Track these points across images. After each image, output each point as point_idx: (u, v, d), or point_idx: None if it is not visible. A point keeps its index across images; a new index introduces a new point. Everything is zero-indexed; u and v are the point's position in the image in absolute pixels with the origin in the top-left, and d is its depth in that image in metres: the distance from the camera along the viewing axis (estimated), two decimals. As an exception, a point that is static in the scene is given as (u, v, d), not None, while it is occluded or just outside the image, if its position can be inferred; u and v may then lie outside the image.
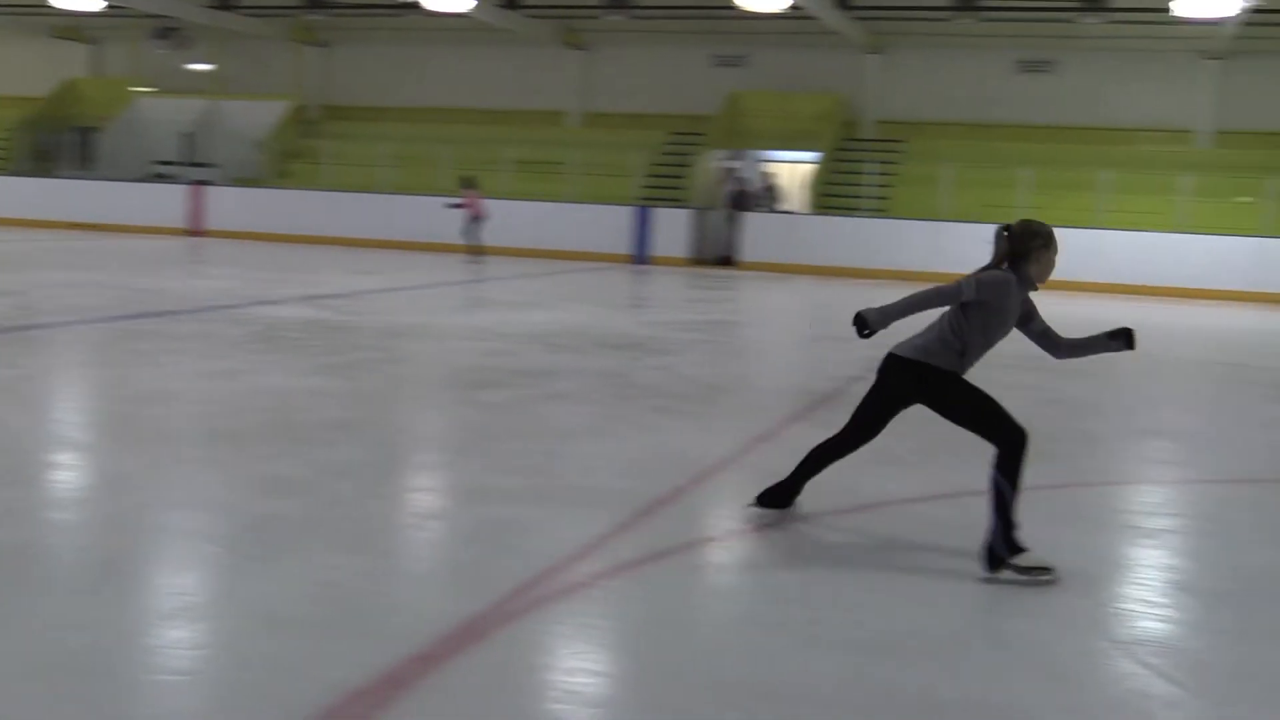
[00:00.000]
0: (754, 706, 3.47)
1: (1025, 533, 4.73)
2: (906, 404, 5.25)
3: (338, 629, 3.90)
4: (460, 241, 22.69)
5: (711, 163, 26.60)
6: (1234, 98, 25.88)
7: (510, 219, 25.22)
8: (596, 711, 3.41)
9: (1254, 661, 4.06)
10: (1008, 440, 4.81)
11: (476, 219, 22.56)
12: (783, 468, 6.61)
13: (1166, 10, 21.62)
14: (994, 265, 5.11)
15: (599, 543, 4.91)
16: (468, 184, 22.79)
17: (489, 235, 22.81)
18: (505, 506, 5.46)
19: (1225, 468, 7.43)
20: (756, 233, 24.90)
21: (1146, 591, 4.77)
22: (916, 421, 8.30)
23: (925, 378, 5.07)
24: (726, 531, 5.47)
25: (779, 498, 5.46)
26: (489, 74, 29.67)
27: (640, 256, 24.96)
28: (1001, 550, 4.68)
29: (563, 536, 4.98)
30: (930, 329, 5.16)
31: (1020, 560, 4.66)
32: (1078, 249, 22.82)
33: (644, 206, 25.30)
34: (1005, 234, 5.10)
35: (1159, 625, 4.36)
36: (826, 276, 23.29)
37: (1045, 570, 4.67)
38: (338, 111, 30.73)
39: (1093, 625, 4.30)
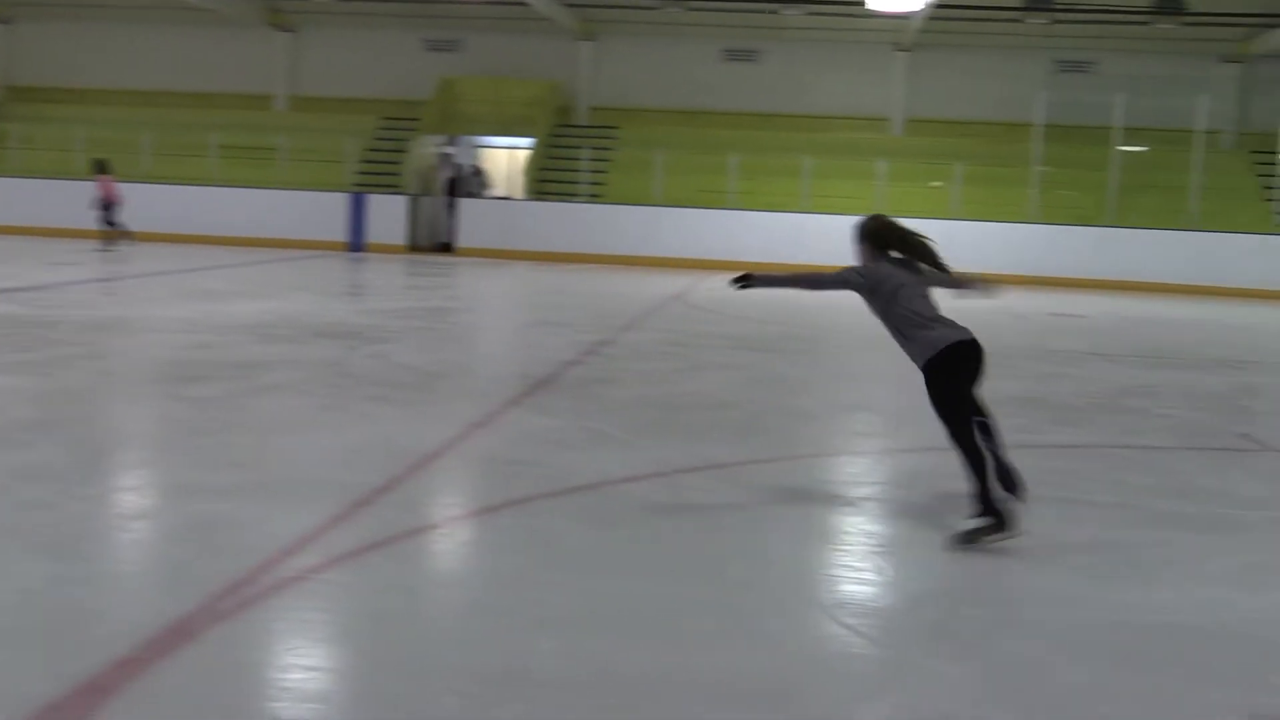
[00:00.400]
0: (474, 690, 3.48)
1: (736, 505, 4.89)
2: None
3: (35, 639, 3.70)
4: (95, 227, 21.33)
5: (426, 148, 26.34)
6: (922, 88, 27.39)
7: (218, 207, 24.40)
8: (312, 707, 3.35)
9: (948, 619, 4.33)
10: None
11: (110, 205, 21.27)
12: (501, 453, 6.66)
13: (861, 4, 22.69)
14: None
15: (314, 536, 4.82)
16: (100, 168, 21.50)
17: (129, 219, 21.38)
18: (215, 503, 5.29)
19: (922, 438, 7.85)
20: (474, 219, 24.84)
21: (849, 557, 5.01)
22: (631, 404, 8.48)
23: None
24: (446, 519, 5.45)
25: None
26: (191, 55, 28.48)
27: (356, 244, 24.52)
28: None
29: (276, 531, 4.86)
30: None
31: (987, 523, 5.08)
32: (784, 232, 23.85)
33: (358, 193, 24.85)
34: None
35: (860, 588, 4.59)
36: (544, 262, 23.44)
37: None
38: (24, 93, 28.90)
39: (799, 592, 4.49)
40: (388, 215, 24.68)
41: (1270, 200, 24.11)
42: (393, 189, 25.33)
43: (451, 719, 3.34)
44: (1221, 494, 6.38)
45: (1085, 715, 3.50)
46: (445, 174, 26.16)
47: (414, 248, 25.00)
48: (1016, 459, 6.34)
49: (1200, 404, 9.44)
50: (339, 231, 24.55)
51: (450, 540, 5.10)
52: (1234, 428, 8.54)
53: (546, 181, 26.19)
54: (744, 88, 27.74)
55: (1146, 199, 24.15)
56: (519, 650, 3.77)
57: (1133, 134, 24.58)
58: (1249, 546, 5.40)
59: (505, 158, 27.26)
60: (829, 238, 23.17)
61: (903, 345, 5.52)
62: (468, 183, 26.36)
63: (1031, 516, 5.83)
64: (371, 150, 26.49)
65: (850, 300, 6.86)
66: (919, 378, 5.58)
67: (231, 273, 18.18)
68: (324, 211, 24.58)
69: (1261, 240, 22.56)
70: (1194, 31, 25.85)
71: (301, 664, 3.67)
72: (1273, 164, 24.39)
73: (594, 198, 25.36)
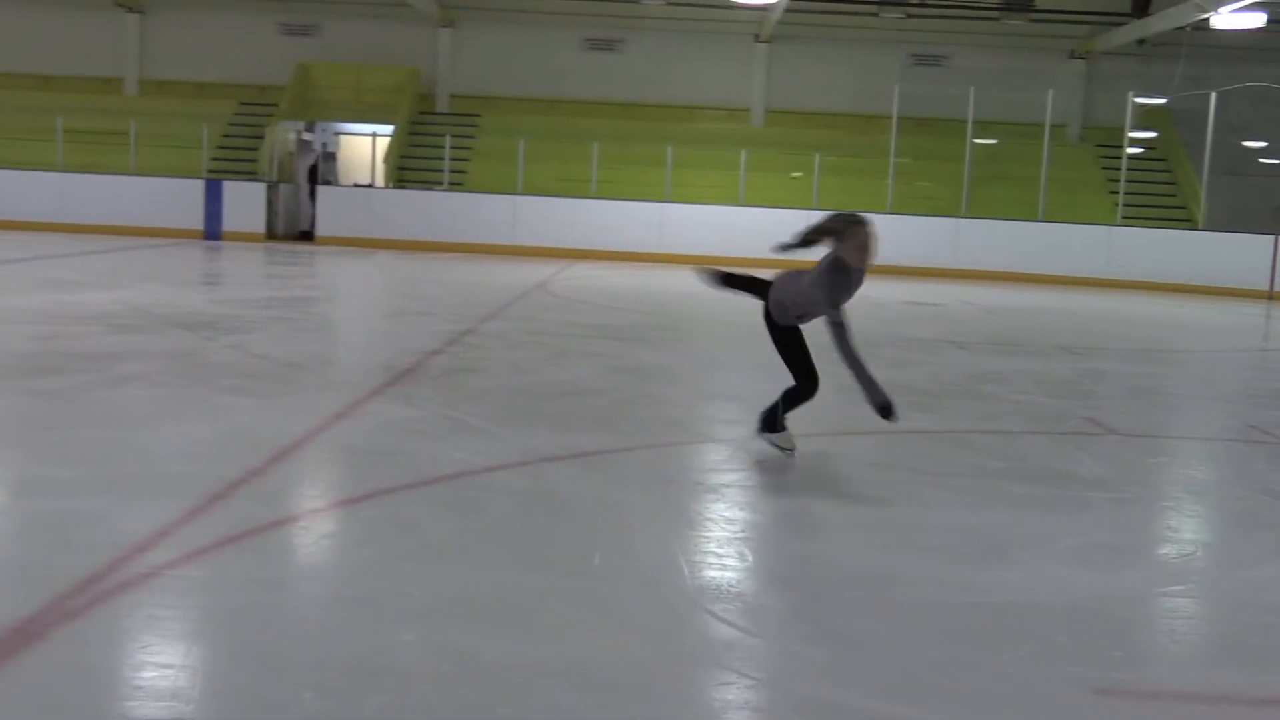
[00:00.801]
0: (333, 684, 3.44)
1: (599, 493, 4.90)
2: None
3: None
4: None
5: (284, 134, 25.83)
6: (782, 79, 27.76)
7: (66, 193, 23.64)
8: (166, 705, 3.27)
9: (806, 601, 4.40)
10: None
11: None
12: (363, 444, 6.58)
13: (722, -5, 22.91)
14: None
15: (168, 530, 4.70)
16: None
17: None
18: (65, 499, 5.13)
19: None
20: (334, 207, 24.46)
21: (712, 544, 5.06)
22: (494, 393, 8.45)
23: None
24: (306, 511, 5.37)
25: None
26: (36, 36, 27.47)
27: (212, 232, 23.97)
28: (770, 423, 6.46)
29: (128, 527, 4.73)
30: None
31: (777, 437, 6.49)
32: (646, 222, 23.97)
33: (214, 180, 24.27)
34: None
35: (722, 574, 4.64)
36: (405, 251, 23.19)
37: (790, 450, 6.47)
38: None
39: (663, 579, 4.52)
40: (245, 203, 24.17)
41: (1114, 193, 24.96)
42: (250, 176, 24.80)
43: (310, 713, 3.30)
44: (1069, 476, 6.59)
45: (938, 692, 3.59)
46: (304, 160, 25.70)
47: (272, 236, 24.53)
48: (874, 444, 6.47)
49: (1049, 389, 9.74)
50: (194, 219, 23.96)
51: (310, 533, 5.02)
52: (1080, 412, 8.83)
53: (407, 169, 25.91)
54: (606, 77, 27.78)
55: (998, 190, 24.82)
56: (380, 643, 3.74)
57: (984, 127, 25.24)
58: (1094, 526, 5.60)
59: (363, 144, 26.84)
60: (691, 227, 23.58)
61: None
62: (326, 170, 25.94)
63: (888, 500, 5.96)
64: (227, 136, 25.90)
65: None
66: (777, 365, 5.73)
67: (80, 262, 17.62)
68: (178, 199, 23.97)
69: (1107, 231, 23.33)
70: (1042, 28, 26.66)
71: (155, 662, 3.58)
72: (1117, 157, 25.25)
73: (455, 186, 25.16)
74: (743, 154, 24.61)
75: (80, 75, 27.46)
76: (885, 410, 5.94)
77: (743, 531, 5.30)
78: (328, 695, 3.38)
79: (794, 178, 25.33)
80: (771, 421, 6.54)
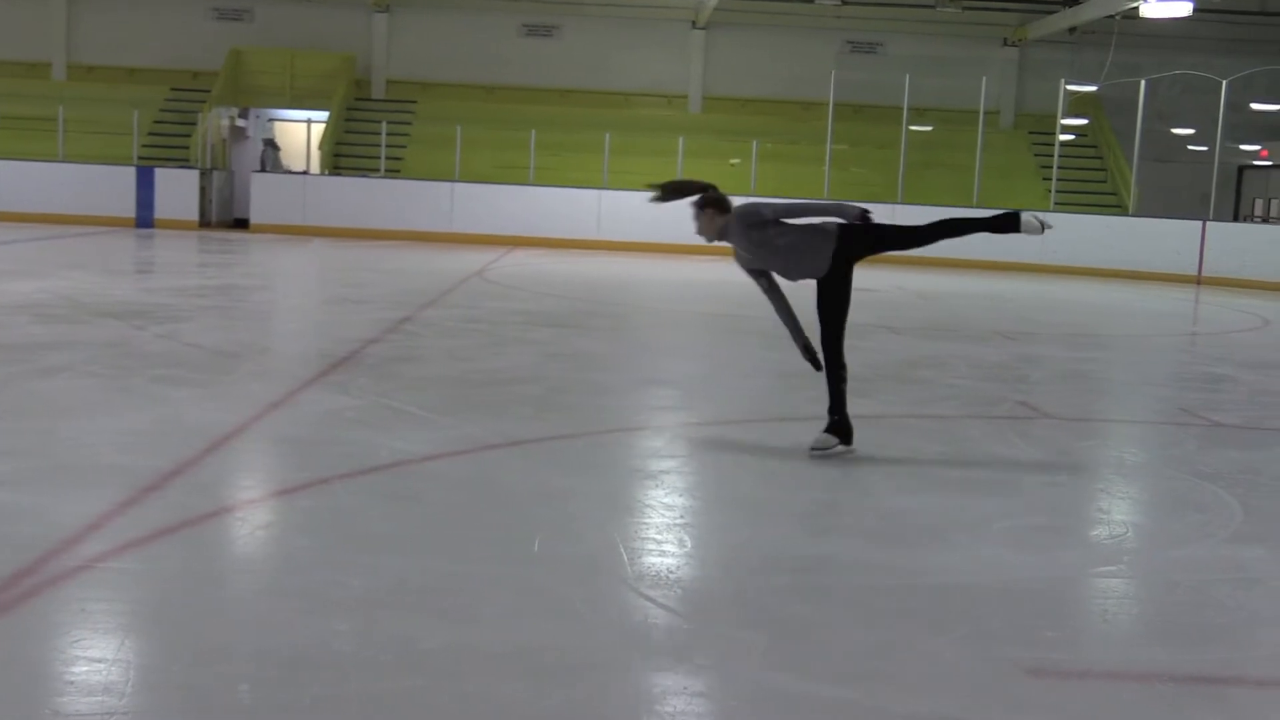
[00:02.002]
0: (270, 675, 3.41)
1: (538, 480, 4.90)
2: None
3: None
4: None
5: (217, 121, 25.51)
6: (719, 66, 27.81)
7: (-9, 180, 23.20)
8: (97, 700, 3.23)
9: (744, 587, 4.43)
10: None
11: None
12: (299, 433, 6.53)
13: (659, -20, 22.90)
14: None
15: (99, 523, 4.64)
16: None
17: None
18: (-8, 492, 5.04)
19: (718, 411, 8.01)
20: (269, 194, 24.19)
21: (651, 530, 5.07)
22: (432, 381, 8.41)
23: None
24: (241, 502, 5.32)
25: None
26: (-41, 20, 26.94)
27: (144, 220, 23.61)
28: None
29: (58, 520, 4.66)
30: None
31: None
32: (584, 208, 23.93)
33: (145, 167, 23.92)
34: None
35: (660, 560, 4.66)
36: (342, 238, 23.00)
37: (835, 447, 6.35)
38: None
39: (603, 565, 4.53)
40: (178, 190, 23.82)
41: (1047, 179, 25.25)
42: (182, 163, 24.47)
43: (246, 705, 3.27)
44: (1003, 459, 6.68)
45: (872, 675, 3.62)
46: (239, 147, 25.40)
47: (206, 224, 24.22)
48: (811, 430, 6.52)
49: (983, 374, 9.85)
50: (125, 207, 23.58)
51: (245, 523, 4.97)
52: (1014, 396, 8.94)
53: (343, 156, 25.69)
54: (543, 63, 27.69)
55: (933, 177, 25.02)
56: (316, 633, 3.71)
57: (919, 114, 25.42)
58: (1028, 509, 5.67)
59: (298, 130, 26.55)
60: (629, 214, 23.56)
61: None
62: (263, 157, 25.66)
63: (825, 485, 6.01)
64: (159, 122, 25.53)
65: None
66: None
67: (6, 251, 17.31)
68: (109, 186, 23.57)
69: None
70: (975, 16, 26.89)
71: (87, 656, 3.53)
72: (1049, 144, 25.54)
73: (392, 173, 24.98)
74: (680, 140, 24.63)
75: (5, 60, 26.91)
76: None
77: (682, 517, 5.31)
78: (264, 687, 3.36)
79: (732, 164, 25.39)
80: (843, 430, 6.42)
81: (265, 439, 6.52)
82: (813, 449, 6.37)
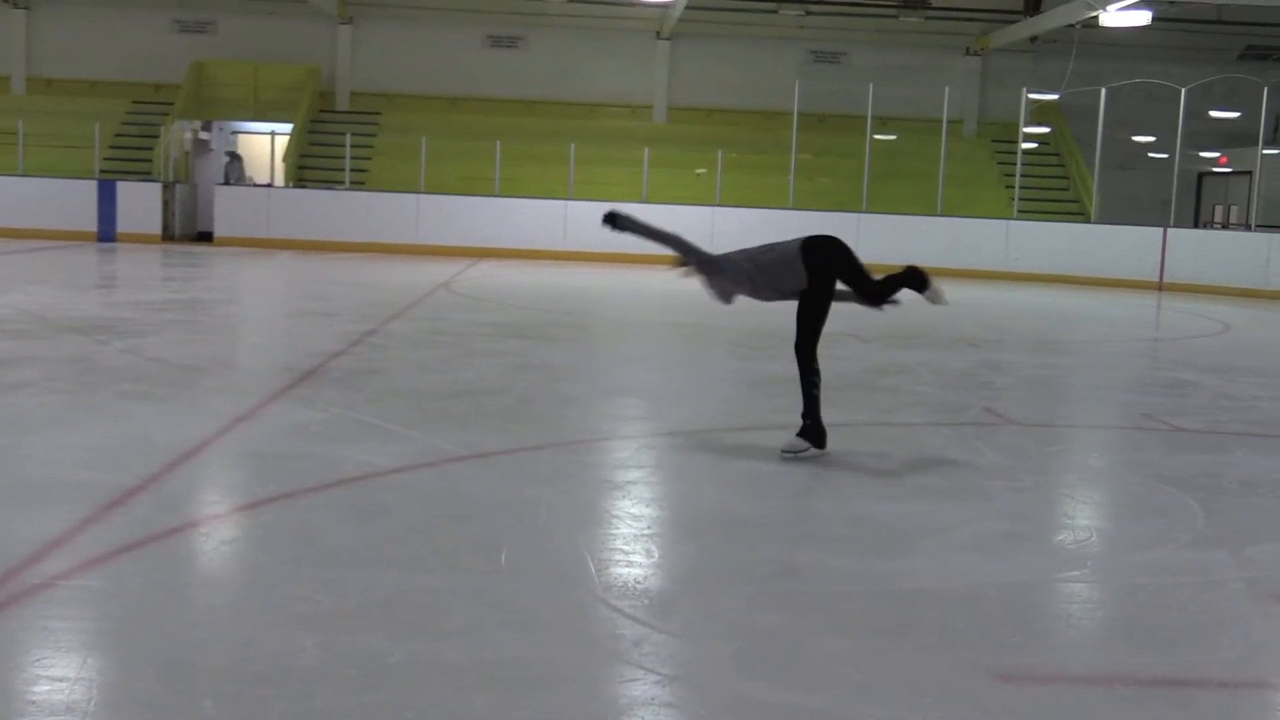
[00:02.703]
0: (235, 691, 3.39)
1: (505, 492, 4.88)
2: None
3: None
4: None
5: (179, 134, 25.36)
6: (684, 76, 27.88)
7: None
8: (61, 718, 3.20)
9: (713, 596, 4.43)
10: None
11: None
12: (264, 447, 6.49)
13: (623, -9, 22.93)
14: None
15: (62, 540, 4.60)
16: None
17: None
18: (-48, 510, 4.99)
19: (685, 420, 8.01)
20: (233, 207, 24.05)
21: (619, 541, 5.07)
22: (398, 394, 8.38)
23: None
24: (206, 517, 5.28)
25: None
26: (-84, 34, 26.67)
27: (106, 234, 23.44)
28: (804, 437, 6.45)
29: (20, 536, 4.61)
30: None
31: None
32: (550, 219, 23.92)
33: (108, 180, 23.74)
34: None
35: (628, 570, 4.65)
36: (307, 251, 22.90)
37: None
38: None
39: (570, 577, 4.52)
40: (140, 203, 23.64)
41: (1010, 187, 25.41)
42: (145, 176, 24.31)
43: (212, 722, 3.25)
44: (968, 466, 6.71)
45: (841, 682, 3.63)
46: (202, 160, 25.25)
47: (169, 238, 24.07)
48: (777, 438, 6.54)
49: (948, 381, 9.89)
50: (87, 221, 23.39)
51: (210, 539, 4.94)
52: (979, 403, 8.99)
53: (307, 169, 25.59)
54: (508, 74, 27.68)
55: (898, 186, 25.14)
56: (283, 648, 3.69)
57: (883, 123, 25.55)
58: (993, 514, 5.70)
59: (262, 143, 26.41)
60: (595, 225, 23.50)
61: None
62: (227, 170, 25.53)
63: (792, 493, 6.03)
64: (120, 135, 25.35)
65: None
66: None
67: (-32, 265, 17.14)
68: (70, 200, 23.37)
69: (1004, 225, 23.73)
70: (938, 25, 27.06)
71: (49, 675, 3.49)
72: (1012, 152, 25.71)
73: (357, 185, 24.89)
74: (645, 151, 24.66)
75: (-36, 73, 26.73)
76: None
77: (649, 528, 5.32)
78: (229, 703, 3.33)
79: (698, 175, 25.44)
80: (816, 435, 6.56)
81: (230, 453, 6.48)
82: (784, 452, 6.46)
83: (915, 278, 6.70)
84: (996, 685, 3.67)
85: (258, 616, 4.00)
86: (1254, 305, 19.30)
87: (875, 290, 6.73)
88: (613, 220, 6.92)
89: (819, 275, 6.57)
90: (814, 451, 6.48)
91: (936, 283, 6.69)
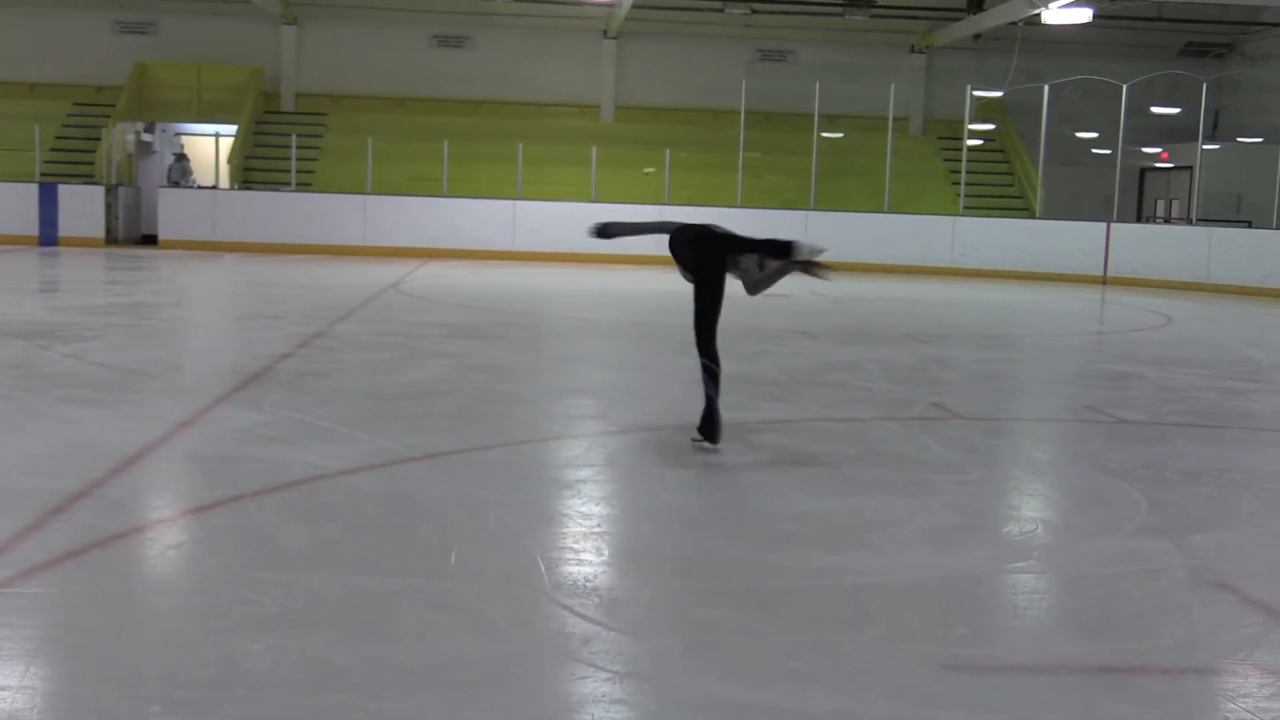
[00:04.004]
0: (182, 696, 3.36)
1: (454, 493, 4.87)
2: None
3: None
4: None
5: (122, 136, 25.06)
6: (631, 75, 27.90)
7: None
8: (6, 727, 3.17)
9: (663, 593, 4.44)
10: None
11: None
12: (211, 451, 6.44)
13: (569, -10, 22.89)
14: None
15: (4, 547, 4.53)
16: None
17: None
18: (-109, 518, 4.91)
19: (634, 419, 8.01)
20: (178, 210, 23.81)
21: (569, 539, 5.07)
22: (346, 396, 8.32)
23: None
24: (151, 522, 5.22)
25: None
26: None
27: (48, 238, 23.13)
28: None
29: (-39, 544, 4.55)
30: None
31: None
32: (499, 219, 23.86)
33: (48, 184, 23.43)
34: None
35: (579, 569, 4.65)
36: (253, 253, 22.71)
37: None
38: None
39: (521, 576, 4.51)
40: (82, 207, 23.36)
41: (956, 184, 25.61)
42: (87, 179, 24.02)
43: (159, 728, 3.22)
44: (916, 460, 6.76)
45: (791, 677, 3.65)
46: (146, 162, 24.97)
47: (113, 241, 23.79)
48: (726, 435, 6.56)
49: (896, 377, 9.96)
50: (28, 225, 23.08)
51: (155, 544, 4.89)
52: (927, 398, 9.06)
53: (253, 170, 25.37)
54: (455, 74, 27.57)
55: (845, 183, 25.27)
56: (230, 653, 3.66)
57: (830, 121, 25.69)
58: (941, 508, 5.75)
59: (206, 145, 26.14)
60: (544, 224, 23.53)
61: None
62: (172, 172, 25.25)
63: (741, 489, 6.05)
64: (61, 138, 25.02)
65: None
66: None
67: (-94, 271, 16.87)
68: (10, 203, 23.06)
69: (950, 221, 23.92)
70: (882, 24, 27.22)
71: (-8, 683, 3.45)
72: (957, 149, 25.91)
73: (304, 187, 24.71)
74: (594, 150, 24.64)
75: (-100, 76, 26.29)
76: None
77: (599, 526, 5.32)
78: (176, 708, 3.30)
79: (646, 173, 25.46)
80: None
81: (176, 458, 6.42)
82: (693, 440, 6.68)
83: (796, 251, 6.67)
84: (945, 676, 3.71)
85: (205, 621, 3.96)
86: (1196, 298, 19.57)
87: (771, 244, 6.76)
88: (604, 232, 6.98)
89: (700, 268, 6.72)
90: (708, 445, 6.53)
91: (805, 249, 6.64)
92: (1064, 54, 26.30)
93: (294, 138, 24.67)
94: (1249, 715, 3.48)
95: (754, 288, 6.92)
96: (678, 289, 7.10)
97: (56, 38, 26.55)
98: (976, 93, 25.35)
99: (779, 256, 6.70)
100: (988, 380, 10.53)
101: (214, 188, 24.82)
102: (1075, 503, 6.18)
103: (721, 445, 6.60)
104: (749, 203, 24.18)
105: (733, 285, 6.85)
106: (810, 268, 6.76)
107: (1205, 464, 6.96)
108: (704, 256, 6.72)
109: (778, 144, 26.29)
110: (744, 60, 27.70)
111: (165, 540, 4.96)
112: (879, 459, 6.79)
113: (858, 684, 3.62)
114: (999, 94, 26.01)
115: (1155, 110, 26.34)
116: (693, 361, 6.56)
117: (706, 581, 4.55)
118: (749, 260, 6.73)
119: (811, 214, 23.87)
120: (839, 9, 26.36)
